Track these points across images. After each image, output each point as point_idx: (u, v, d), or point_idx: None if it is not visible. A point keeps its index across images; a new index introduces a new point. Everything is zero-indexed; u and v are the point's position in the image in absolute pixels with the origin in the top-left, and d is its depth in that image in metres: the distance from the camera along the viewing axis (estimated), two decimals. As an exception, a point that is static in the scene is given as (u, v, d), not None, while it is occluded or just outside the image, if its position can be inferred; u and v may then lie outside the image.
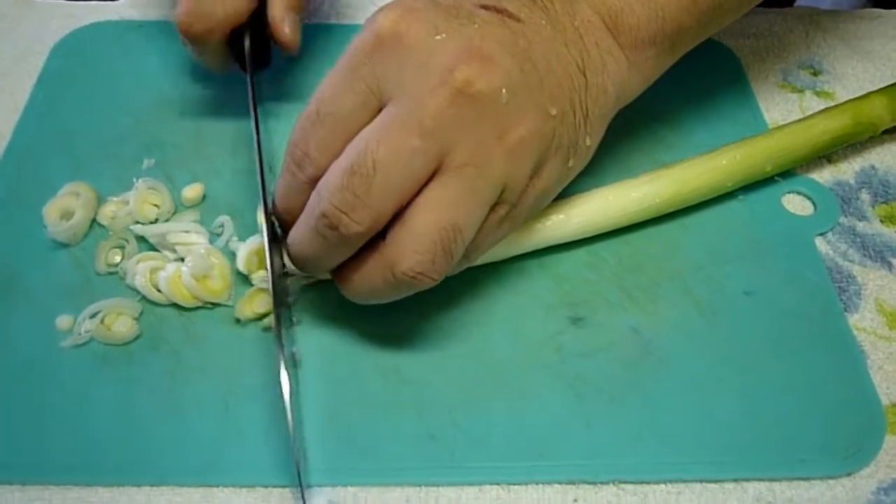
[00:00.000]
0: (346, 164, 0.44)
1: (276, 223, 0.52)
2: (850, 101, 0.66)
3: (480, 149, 0.44)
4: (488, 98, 0.44)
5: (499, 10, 0.47)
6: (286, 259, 0.51)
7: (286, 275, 0.54)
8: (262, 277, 0.55)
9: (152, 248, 0.57)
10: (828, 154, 0.67)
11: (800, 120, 0.64)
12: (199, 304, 0.55)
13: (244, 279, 0.56)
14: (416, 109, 0.43)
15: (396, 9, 0.46)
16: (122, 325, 0.53)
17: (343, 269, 0.49)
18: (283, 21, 0.60)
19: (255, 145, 0.56)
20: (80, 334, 0.53)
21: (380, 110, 0.45)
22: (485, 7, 0.47)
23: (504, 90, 0.44)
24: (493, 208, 0.47)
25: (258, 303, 0.55)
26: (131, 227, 0.58)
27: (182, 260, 0.55)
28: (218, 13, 0.58)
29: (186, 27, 0.58)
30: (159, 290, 0.54)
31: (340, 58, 0.47)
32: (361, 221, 0.44)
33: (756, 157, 0.62)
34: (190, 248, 0.56)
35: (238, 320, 0.54)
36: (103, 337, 0.53)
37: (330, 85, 0.46)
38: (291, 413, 0.46)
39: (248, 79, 0.61)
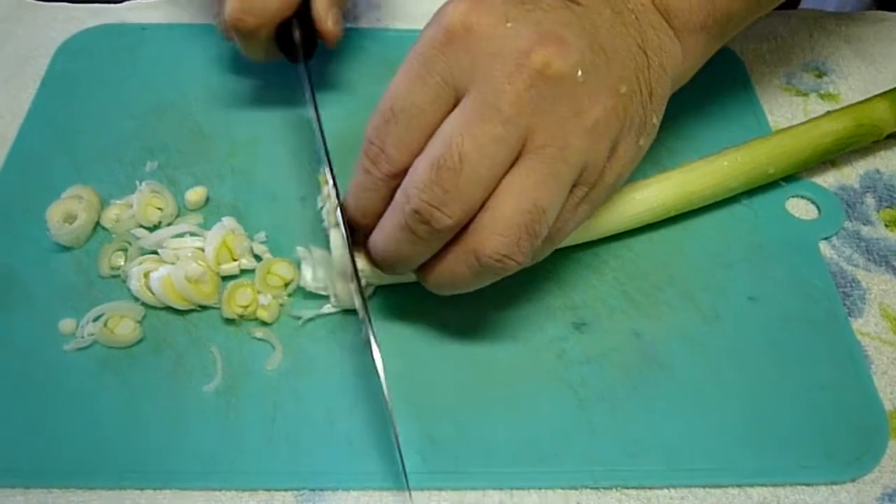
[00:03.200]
0: (433, 158, 0.44)
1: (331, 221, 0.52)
2: (854, 104, 0.65)
3: (560, 129, 0.45)
4: (566, 78, 0.44)
5: None
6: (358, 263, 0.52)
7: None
8: (228, 269, 0.56)
9: (155, 251, 0.57)
10: (832, 158, 0.67)
11: (802, 123, 0.64)
12: (192, 307, 0.55)
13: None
14: (496, 97, 0.44)
15: (464, 1, 0.46)
16: (125, 328, 0.53)
17: (426, 263, 0.49)
18: (327, 14, 0.62)
19: (318, 134, 0.58)
20: (82, 337, 0.53)
21: (455, 103, 0.46)
22: None
23: (580, 71, 0.45)
24: (572, 189, 0.47)
25: (240, 296, 0.55)
26: (132, 231, 0.58)
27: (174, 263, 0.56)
28: (270, 8, 0.60)
29: (238, 22, 0.59)
30: (153, 293, 0.54)
31: (409, 54, 0.47)
32: (452, 214, 0.44)
33: (758, 159, 0.61)
34: (181, 251, 0.56)
35: (232, 320, 0.55)
36: (106, 340, 0.53)
37: (403, 81, 0.46)
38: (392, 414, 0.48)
39: (303, 67, 0.63)
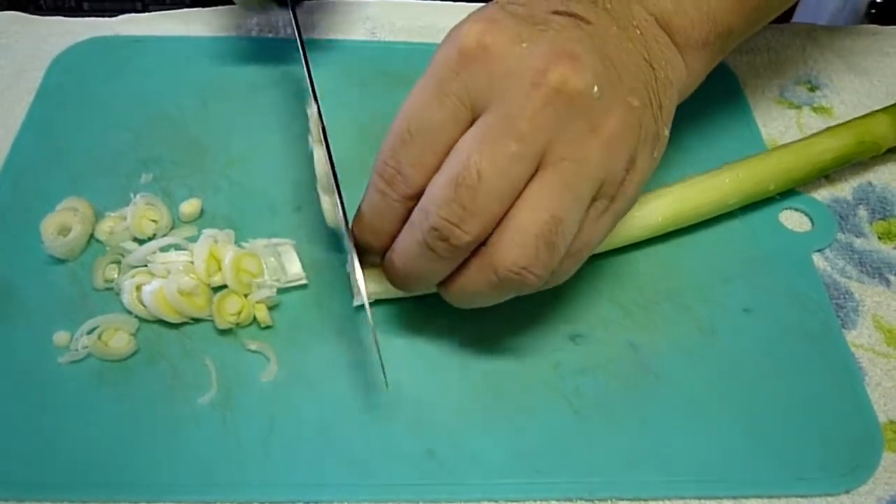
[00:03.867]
0: (451, 176, 0.44)
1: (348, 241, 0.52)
2: (854, 119, 0.66)
3: (576, 145, 0.45)
4: (582, 95, 0.45)
5: (571, 15, 0.48)
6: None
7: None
8: (219, 280, 0.56)
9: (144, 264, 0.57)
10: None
11: (802, 139, 0.65)
12: (185, 320, 0.55)
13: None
14: (513, 115, 0.44)
15: (478, 22, 0.46)
16: (120, 340, 0.53)
17: (446, 278, 0.49)
18: None
19: (305, 67, 0.59)
20: (76, 350, 0.53)
21: (471, 123, 0.46)
22: (557, 12, 0.48)
23: (595, 87, 0.45)
24: (593, 203, 0.47)
25: (229, 305, 0.55)
26: (122, 244, 0.57)
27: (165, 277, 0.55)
28: None
29: None
30: (145, 306, 0.54)
31: (424, 75, 0.47)
32: (471, 231, 0.45)
33: (759, 175, 0.62)
34: (171, 265, 0.56)
35: (227, 331, 0.55)
36: (101, 353, 0.53)
37: (419, 101, 0.46)
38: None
39: (290, 8, 0.63)
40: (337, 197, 0.52)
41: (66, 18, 0.76)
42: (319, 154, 0.53)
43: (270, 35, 0.75)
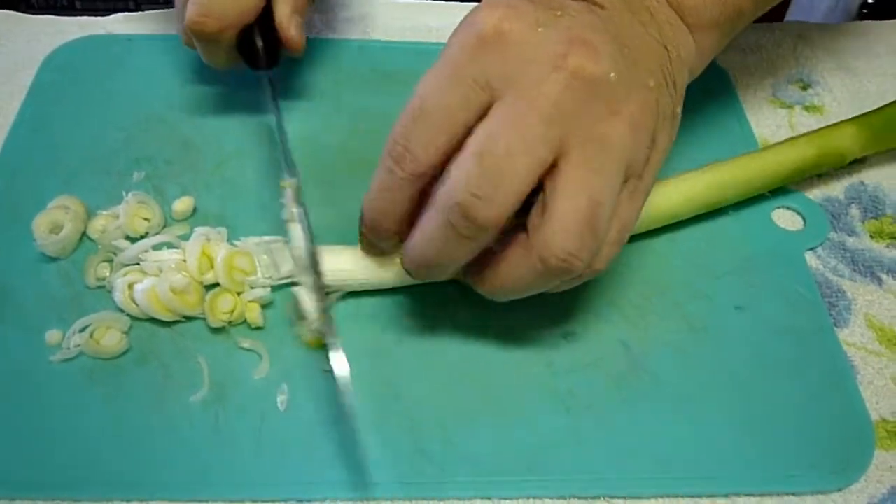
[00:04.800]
0: (475, 151, 0.44)
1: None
2: (817, 130, 0.65)
3: (598, 127, 0.45)
4: (600, 79, 0.45)
5: (585, 0, 0.49)
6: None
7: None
8: (211, 278, 0.56)
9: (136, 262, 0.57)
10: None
11: (763, 148, 0.64)
12: (177, 318, 0.55)
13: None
14: (535, 98, 0.44)
15: (496, 8, 0.46)
16: (111, 338, 0.53)
17: (484, 268, 0.49)
18: (289, 22, 0.62)
19: (279, 139, 0.58)
20: (68, 349, 0.52)
21: (486, 108, 0.45)
22: None
23: (612, 72, 0.45)
24: (623, 184, 0.47)
25: (222, 303, 0.55)
26: (114, 242, 0.57)
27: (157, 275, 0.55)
28: (231, 13, 0.59)
29: (200, 26, 0.59)
30: (137, 305, 0.54)
31: (439, 59, 0.47)
32: (495, 209, 0.44)
33: (717, 182, 0.61)
34: (163, 263, 0.55)
35: (219, 330, 0.54)
36: (92, 351, 0.52)
37: (433, 82, 0.46)
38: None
39: (267, 76, 0.63)
40: (315, 280, 0.53)
41: (58, 17, 0.76)
42: (296, 232, 0.54)
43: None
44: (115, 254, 0.57)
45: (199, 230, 0.57)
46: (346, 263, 0.54)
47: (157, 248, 0.57)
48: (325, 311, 0.51)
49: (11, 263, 0.57)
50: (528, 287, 0.48)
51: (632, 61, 0.47)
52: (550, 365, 0.54)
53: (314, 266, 0.52)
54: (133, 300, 0.54)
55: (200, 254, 0.55)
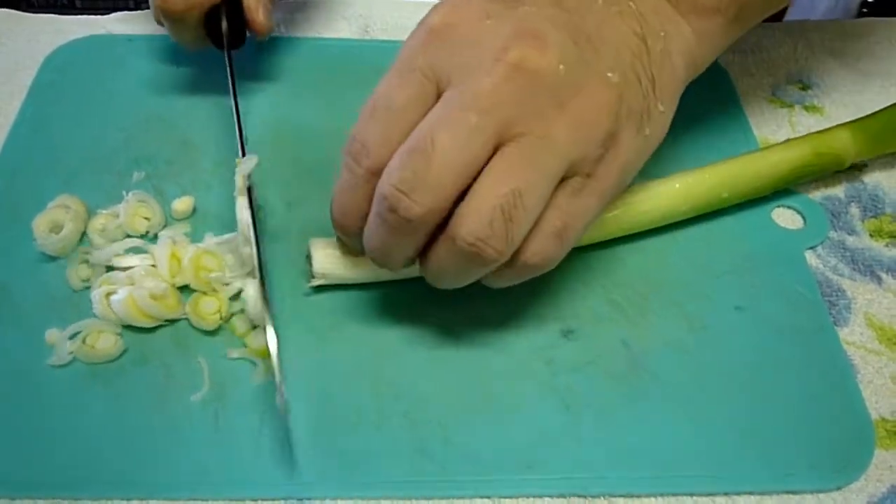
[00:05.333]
0: (406, 146, 0.45)
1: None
2: (814, 133, 0.65)
3: (540, 120, 0.45)
4: (545, 72, 0.45)
5: None
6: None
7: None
8: (182, 280, 0.56)
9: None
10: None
11: (761, 149, 0.64)
12: (158, 323, 0.54)
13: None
14: (473, 89, 0.44)
15: (446, 3, 0.47)
16: (106, 342, 0.53)
17: (422, 255, 0.49)
18: (257, 5, 0.64)
19: (236, 121, 0.60)
20: (62, 356, 0.52)
21: (437, 100, 0.46)
22: None
23: (561, 65, 0.45)
24: (565, 181, 0.47)
25: (205, 305, 0.55)
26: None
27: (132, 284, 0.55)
28: None
29: (168, 4, 0.61)
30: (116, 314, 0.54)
31: (396, 56, 0.48)
32: (421, 202, 0.44)
33: (711, 183, 0.61)
34: (134, 272, 0.55)
35: (215, 330, 0.54)
36: (87, 357, 0.52)
37: (386, 80, 0.47)
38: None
39: (226, 57, 0.64)
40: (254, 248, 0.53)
41: (58, 16, 0.76)
42: (241, 203, 0.55)
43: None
44: (88, 255, 0.57)
45: (163, 234, 0.57)
46: (330, 257, 0.55)
47: (130, 251, 0.57)
48: (262, 291, 0.52)
49: (12, 263, 0.57)
50: (452, 273, 0.48)
51: (591, 54, 0.47)
52: (550, 363, 0.54)
53: (251, 241, 0.53)
54: (112, 310, 0.53)
55: (170, 256, 0.55)
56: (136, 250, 0.57)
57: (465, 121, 0.44)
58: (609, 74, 0.47)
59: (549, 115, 0.45)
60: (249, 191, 0.55)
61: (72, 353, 0.52)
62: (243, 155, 0.56)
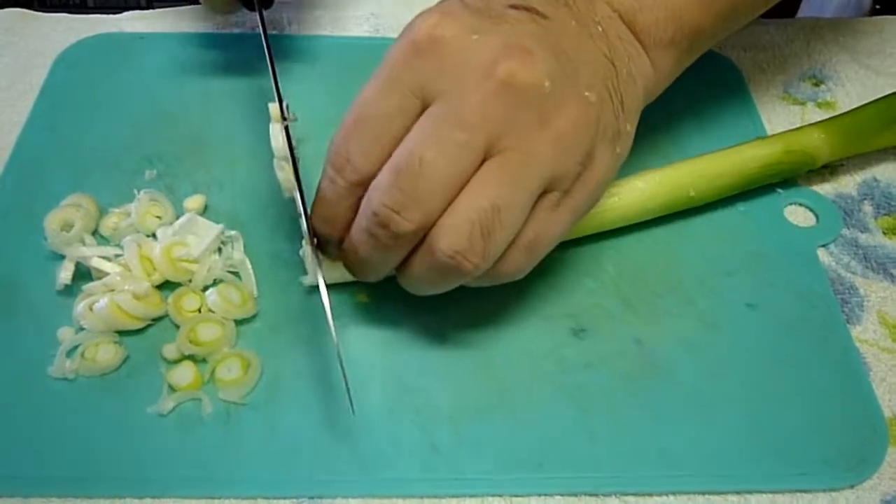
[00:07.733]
0: (394, 163, 0.45)
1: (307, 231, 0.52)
2: (787, 131, 0.65)
3: (524, 137, 0.45)
4: (532, 89, 0.45)
5: (527, 9, 0.48)
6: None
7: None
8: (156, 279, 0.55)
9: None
10: (830, 166, 0.67)
11: (728, 147, 0.63)
12: (146, 324, 0.54)
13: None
14: (460, 105, 0.44)
15: (432, 15, 0.47)
16: (106, 352, 0.52)
17: (400, 265, 0.50)
18: None
19: (271, 73, 0.58)
20: (65, 373, 0.52)
21: (420, 114, 0.46)
22: (514, 7, 0.48)
23: (547, 81, 0.45)
24: (544, 196, 0.47)
25: (186, 302, 0.55)
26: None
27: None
28: None
29: None
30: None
31: (378, 67, 0.48)
32: (411, 219, 0.45)
33: (678, 181, 0.61)
34: (108, 279, 0.55)
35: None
36: (89, 371, 0.52)
37: (370, 92, 0.47)
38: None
39: (258, 15, 0.62)
40: (293, 169, 0.53)
41: (70, 15, 0.76)
42: (276, 129, 0.53)
43: (275, 32, 0.75)
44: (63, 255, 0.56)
45: (128, 239, 0.56)
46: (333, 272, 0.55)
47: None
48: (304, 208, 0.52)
49: (23, 261, 0.57)
50: (429, 283, 0.49)
51: (572, 72, 0.47)
52: (562, 362, 0.54)
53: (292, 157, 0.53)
54: (99, 318, 0.53)
55: (140, 257, 0.55)
56: (100, 257, 0.56)
57: (453, 138, 0.44)
58: (587, 93, 0.47)
59: (533, 131, 0.45)
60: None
61: (73, 370, 0.52)
62: (280, 101, 0.55)
